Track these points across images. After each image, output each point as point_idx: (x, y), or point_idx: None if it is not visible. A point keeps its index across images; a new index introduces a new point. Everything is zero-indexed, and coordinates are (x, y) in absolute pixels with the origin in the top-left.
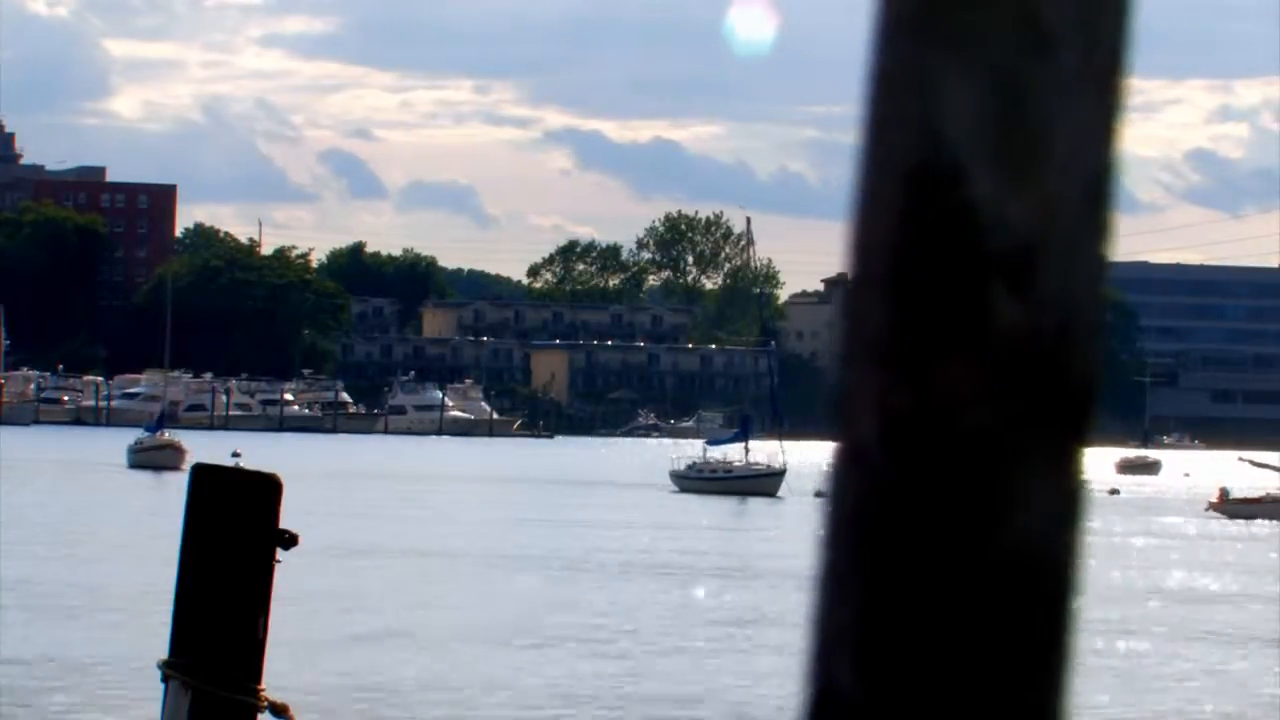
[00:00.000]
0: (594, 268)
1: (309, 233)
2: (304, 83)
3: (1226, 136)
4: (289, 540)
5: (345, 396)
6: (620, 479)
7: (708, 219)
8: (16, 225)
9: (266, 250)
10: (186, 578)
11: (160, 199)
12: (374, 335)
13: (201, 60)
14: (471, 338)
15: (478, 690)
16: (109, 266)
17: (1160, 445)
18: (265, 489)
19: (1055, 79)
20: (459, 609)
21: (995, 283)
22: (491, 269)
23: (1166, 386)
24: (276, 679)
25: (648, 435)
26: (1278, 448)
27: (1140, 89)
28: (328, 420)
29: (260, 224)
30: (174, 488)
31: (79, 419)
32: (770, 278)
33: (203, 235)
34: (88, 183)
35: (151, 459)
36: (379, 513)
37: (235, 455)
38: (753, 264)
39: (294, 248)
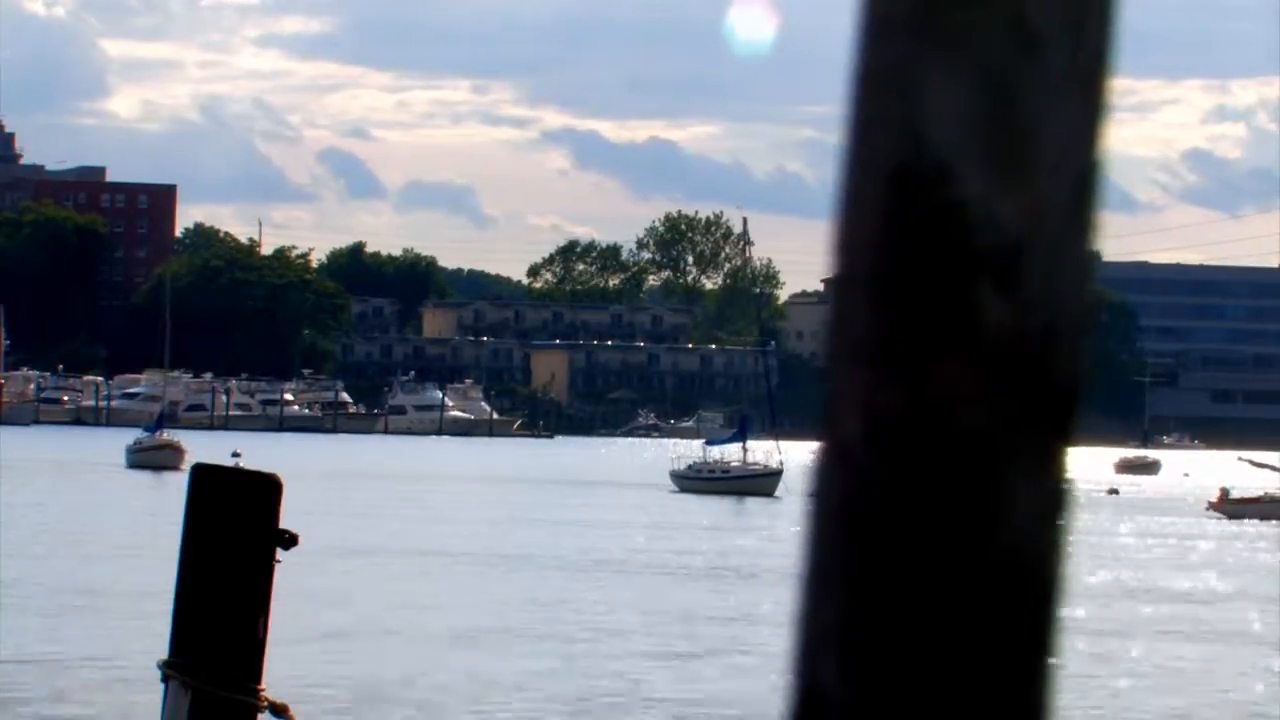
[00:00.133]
0: (594, 268)
1: (307, 233)
2: (301, 83)
3: (1224, 136)
4: (289, 540)
5: (345, 396)
6: (620, 479)
7: (708, 219)
8: (16, 225)
9: (266, 250)
10: (186, 578)
11: (160, 199)
12: (374, 335)
13: (199, 60)
14: (471, 338)
15: (476, 689)
16: (109, 266)
17: (1160, 445)
18: (265, 489)
19: (1042, 79)
20: (457, 609)
21: (981, 282)
22: (490, 269)
23: (1166, 386)
24: (276, 679)
25: (648, 435)
26: (1278, 448)
27: (1137, 89)
28: (328, 420)
29: (260, 224)
30: (173, 488)
31: (79, 419)
32: (770, 278)
33: (203, 235)
34: (88, 183)
35: (151, 459)
36: (378, 513)
37: (235, 455)
38: (751, 264)
39: (294, 248)
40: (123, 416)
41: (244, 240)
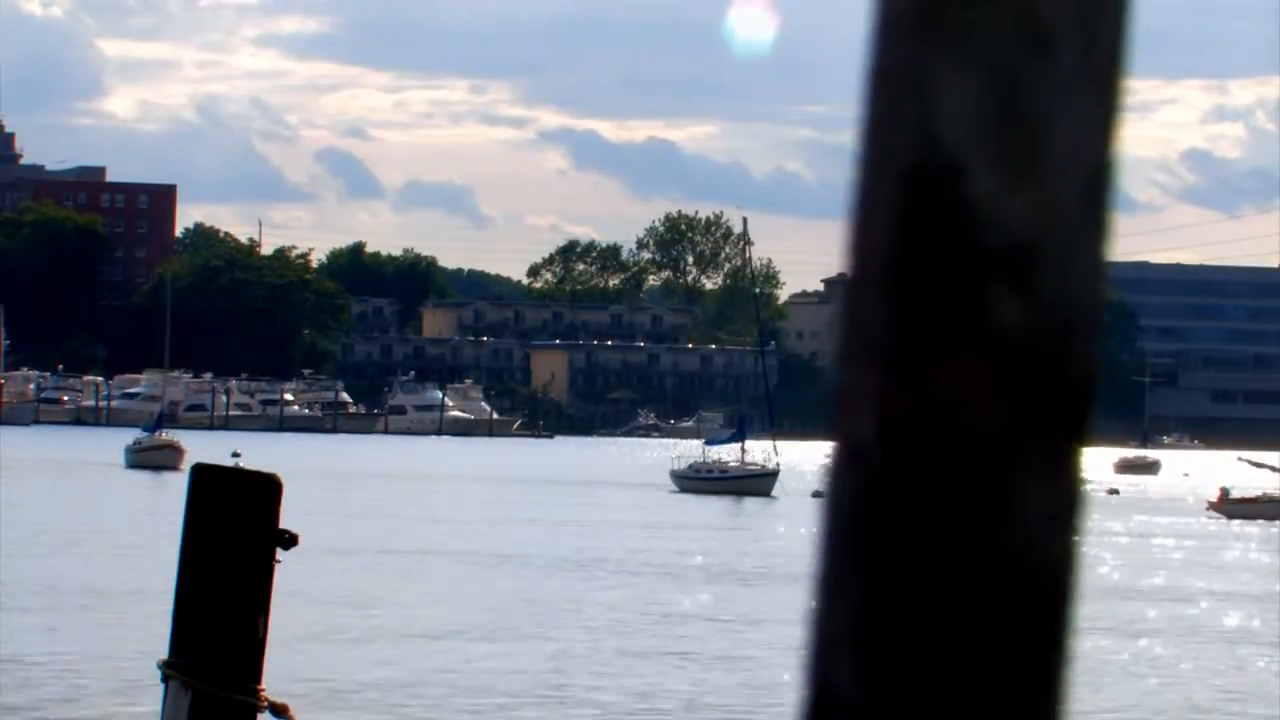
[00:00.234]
0: (594, 268)
1: (305, 232)
2: (300, 83)
3: (1222, 136)
4: (289, 540)
5: (345, 396)
6: (621, 479)
7: (708, 219)
8: (16, 225)
9: (266, 250)
10: (186, 578)
11: (160, 199)
12: (374, 335)
13: (196, 60)
14: (471, 338)
15: (470, 689)
16: (109, 266)
17: (1160, 445)
18: (265, 489)
19: (1054, 78)
20: (454, 608)
21: (994, 282)
22: (488, 268)
23: (1166, 386)
24: (276, 678)
25: (648, 435)
26: (1278, 448)
27: (1135, 89)
28: (328, 420)
29: (260, 224)
30: (172, 488)
31: (79, 419)
32: (770, 278)
33: (203, 235)
34: (88, 183)
35: (150, 459)
36: (377, 513)
37: (235, 455)
38: (751, 265)
39: (294, 248)
40: (123, 416)
41: (244, 240)
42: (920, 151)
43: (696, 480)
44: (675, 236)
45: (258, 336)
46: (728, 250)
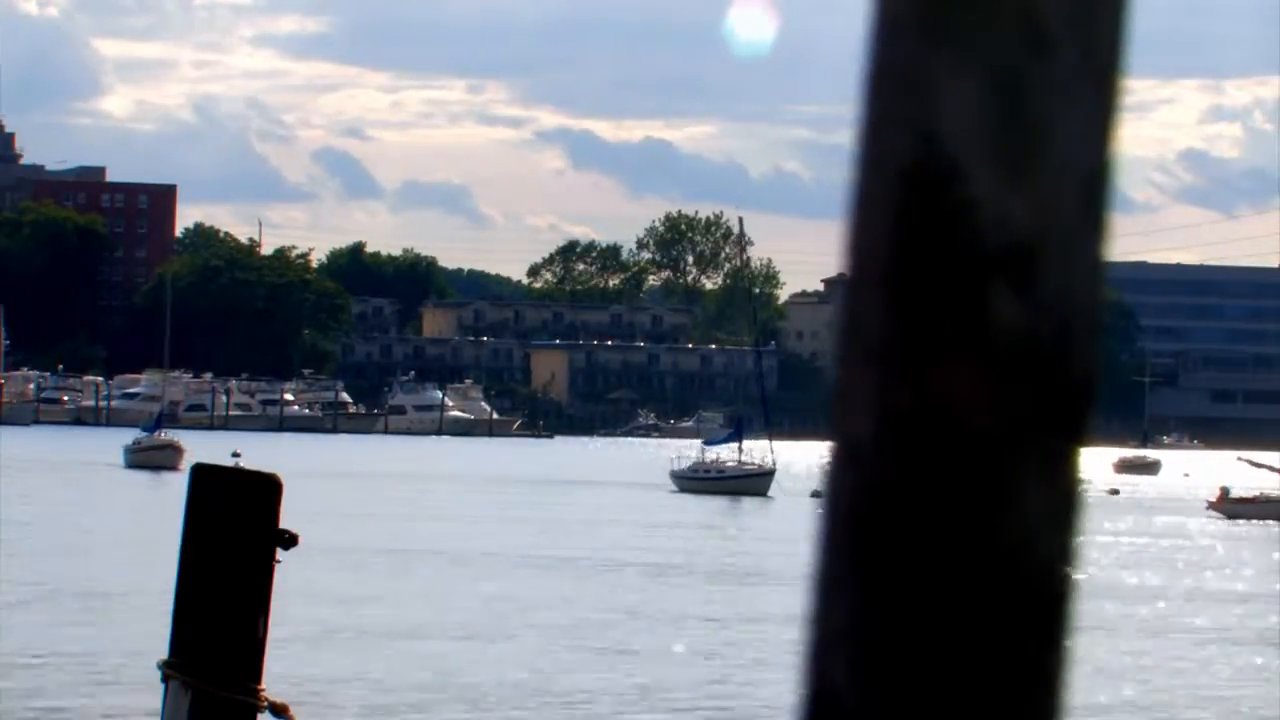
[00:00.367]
0: (594, 268)
1: (303, 232)
2: (298, 83)
3: (1220, 136)
4: (289, 540)
5: (345, 396)
6: (621, 480)
7: (708, 219)
8: (16, 225)
9: (266, 250)
10: (186, 578)
11: (160, 199)
12: (374, 335)
13: (193, 60)
14: (471, 338)
15: (467, 687)
16: (109, 266)
17: (1160, 445)
18: (265, 489)
19: (1053, 78)
20: (452, 608)
21: (993, 282)
22: (486, 268)
23: (1166, 386)
24: (275, 678)
25: (648, 435)
26: (1278, 448)
27: (1132, 89)
28: (328, 420)
29: (260, 224)
30: (172, 488)
31: (79, 419)
32: (770, 278)
33: (203, 235)
34: (88, 183)
35: (150, 459)
36: (377, 513)
37: (235, 455)
38: (750, 265)
39: (294, 248)
40: (123, 416)
41: (243, 240)
42: (919, 151)
43: (695, 480)
44: (675, 236)
45: (258, 336)
46: (728, 250)
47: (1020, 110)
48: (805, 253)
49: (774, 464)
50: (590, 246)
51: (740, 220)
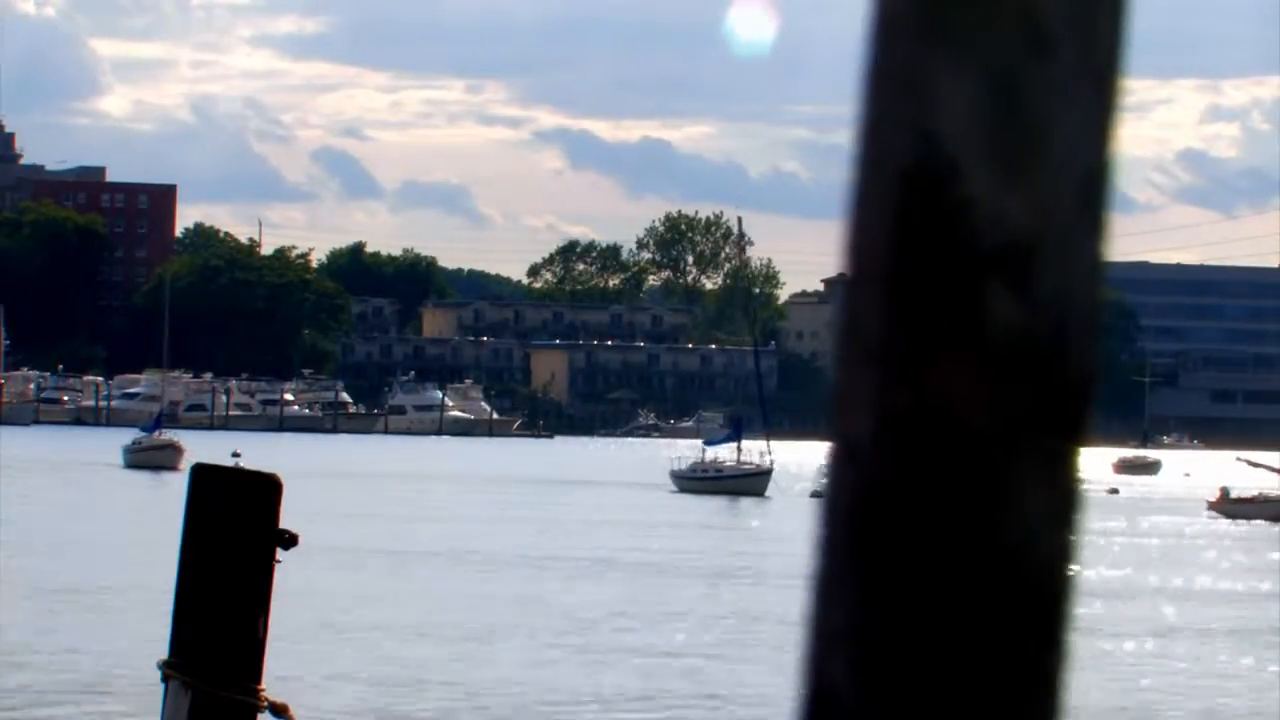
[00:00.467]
0: (594, 268)
1: (302, 232)
2: (296, 83)
3: (1218, 136)
4: (289, 540)
5: (345, 396)
6: (621, 480)
7: (708, 219)
8: (16, 225)
9: (266, 250)
10: (186, 578)
11: (160, 199)
12: (374, 335)
13: (192, 60)
14: (471, 338)
15: (467, 687)
16: (109, 266)
17: (1160, 445)
18: (265, 489)
19: (1052, 78)
20: (451, 608)
21: (991, 281)
22: (484, 268)
23: (1166, 386)
24: (274, 677)
25: (648, 435)
26: (1278, 448)
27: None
28: (328, 420)
29: (260, 224)
30: (172, 488)
31: (79, 419)
32: (770, 278)
33: (202, 235)
34: (88, 183)
35: (149, 459)
36: (375, 513)
37: (235, 455)
38: (749, 265)
39: (294, 248)
40: (123, 416)
41: (243, 240)
42: (918, 151)
43: (694, 480)
44: (675, 236)
45: (258, 336)
46: (728, 250)
47: (1019, 110)
48: (805, 253)
49: (771, 464)
50: (590, 246)
51: (739, 220)
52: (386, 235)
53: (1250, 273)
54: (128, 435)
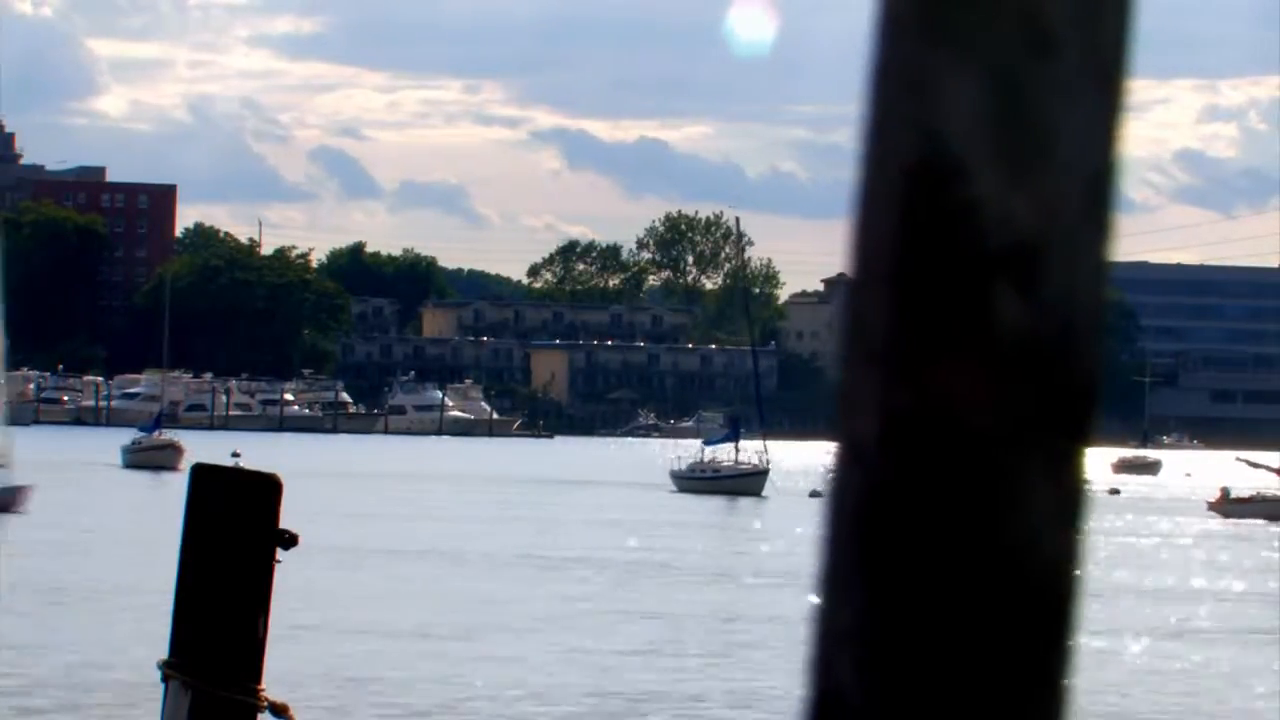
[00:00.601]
0: (594, 268)
1: (302, 232)
2: (294, 83)
3: (1215, 136)
4: (289, 540)
5: (345, 396)
6: (621, 480)
7: (707, 219)
8: (16, 225)
9: (266, 250)
10: (186, 578)
11: (160, 199)
12: (374, 335)
13: (189, 60)
14: (471, 338)
15: (466, 687)
16: (109, 266)
17: (1160, 445)
18: (265, 489)
19: (1056, 78)
20: (450, 607)
21: (997, 282)
22: (482, 268)
23: (1166, 386)
24: (274, 677)
25: (648, 435)
26: (1278, 448)
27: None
28: (328, 420)
29: (260, 224)
30: (172, 488)
31: (79, 419)
32: (770, 278)
33: (202, 235)
34: (88, 183)
35: (148, 459)
36: (375, 513)
37: (235, 455)
38: (748, 265)
39: (294, 248)
40: (123, 416)
41: (242, 240)
42: (923, 150)
43: (693, 480)
44: (675, 236)
45: (258, 336)
46: (728, 250)
47: (1023, 110)
48: (804, 253)
49: (767, 464)
50: (590, 246)
51: (737, 220)
52: (385, 235)
53: (1250, 273)
54: (127, 435)
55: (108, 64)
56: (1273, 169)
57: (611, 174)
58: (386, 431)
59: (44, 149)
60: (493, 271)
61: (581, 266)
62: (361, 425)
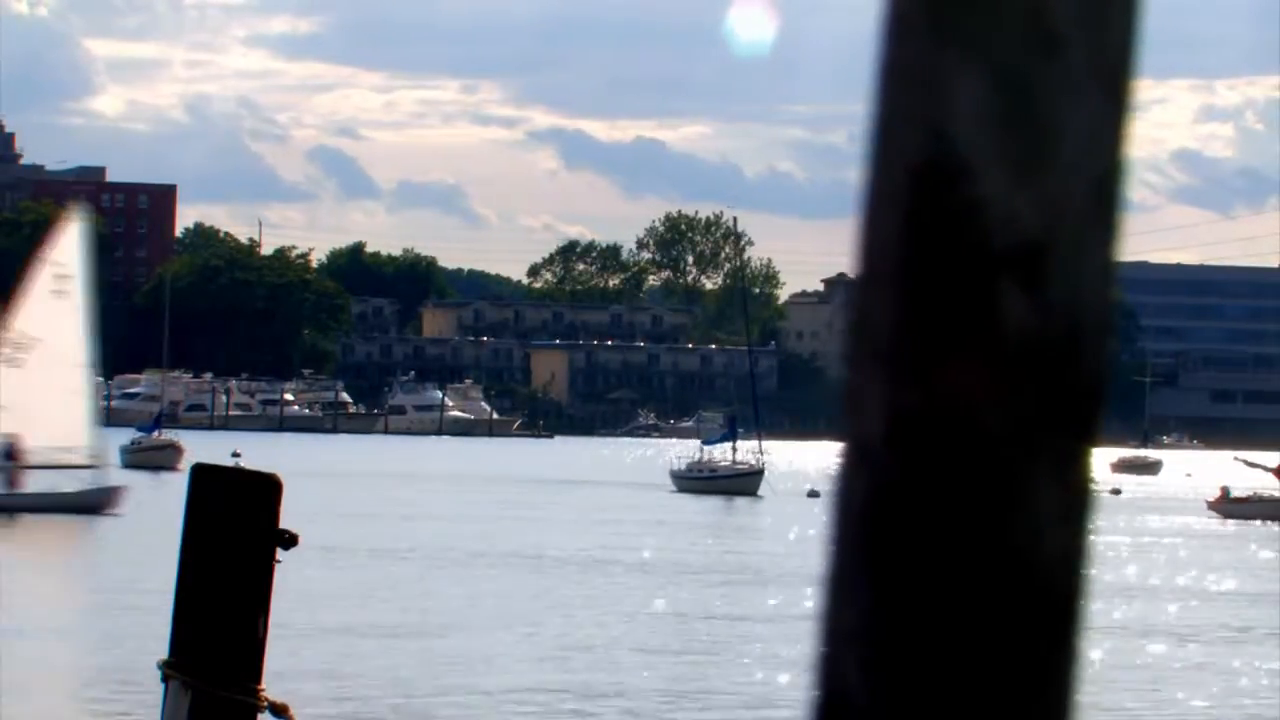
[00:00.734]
0: (594, 268)
1: (300, 232)
2: (291, 83)
3: (1213, 136)
4: (289, 540)
5: (345, 396)
6: (621, 480)
7: (707, 219)
8: (16, 225)
9: (266, 250)
10: (186, 578)
11: (160, 199)
12: (374, 335)
13: (186, 60)
14: (471, 338)
15: (466, 686)
16: (109, 266)
17: (1160, 445)
18: (265, 489)
19: (1062, 78)
20: (449, 607)
21: (1003, 282)
22: (481, 268)
23: (1166, 386)
24: (274, 677)
25: (648, 435)
26: (1277, 448)
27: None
28: (328, 420)
29: (260, 224)
30: (172, 488)
31: None
32: (770, 278)
33: (202, 235)
34: (88, 183)
35: (148, 459)
36: (375, 513)
37: (235, 455)
38: (748, 265)
39: (294, 248)
40: (122, 416)
41: (242, 240)
42: (930, 149)
43: (691, 480)
44: (675, 236)
45: (258, 336)
46: (728, 250)
47: (1029, 110)
48: (804, 253)
49: (762, 464)
50: (590, 246)
51: (734, 220)
52: (384, 235)
53: (1250, 273)
54: (127, 435)
55: (104, 64)
56: (1270, 169)
57: (609, 174)
58: (386, 431)
59: (41, 148)
60: (492, 271)
61: (581, 266)
62: (361, 425)
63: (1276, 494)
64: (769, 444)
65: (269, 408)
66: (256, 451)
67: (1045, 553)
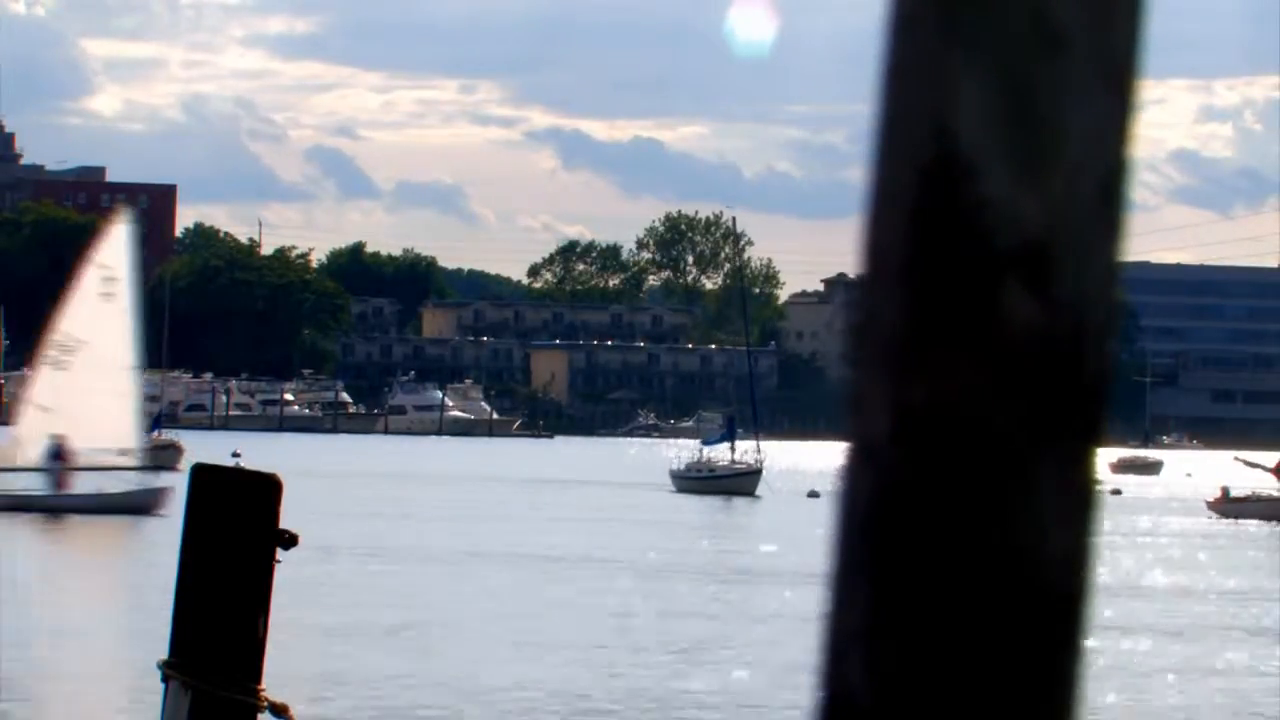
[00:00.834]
0: (594, 268)
1: (299, 232)
2: (289, 83)
3: (1211, 137)
4: (289, 540)
5: (345, 396)
6: (621, 480)
7: (707, 219)
8: (16, 225)
9: (266, 250)
10: (186, 578)
11: (160, 199)
12: (374, 335)
13: (183, 60)
14: (471, 338)
15: (465, 686)
16: None
17: (1160, 445)
18: (265, 489)
19: (1067, 78)
20: (448, 607)
21: (1008, 281)
22: (480, 268)
23: (1166, 386)
24: (274, 677)
25: (648, 435)
26: (1277, 448)
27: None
28: (328, 420)
29: (260, 224)
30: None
31: None
32: (770, 278)
33: (203, 235)
34: (88, 183)
35: (148, 459)
36: (375, 513)
37: (235, 455)
38: (747, 265)
39: (294, 248)
40: None
41: (241, 240)
42: (935, 147)
43: (690, 480)
44: (675, 236)
45: (258, 336)
46: (727, 250)
47: (1034, 109)
48: (804, 253)
49: (760, 463)
50: (590, 246)
51: (733, 220)
52: (383, 235)
53: (1250, 273)
54: None
55: (101, 64)
56: (1269, 169)
57: (607, 174)
58: (386, 431)
59: (41, 148)
60: (492, 271)
61: (581, 267)
62: (361, 425)
63: (1276, 494)
64: (768, 444)
65: (269, 408)
66: (256, 451)
67: (1049, 552)
